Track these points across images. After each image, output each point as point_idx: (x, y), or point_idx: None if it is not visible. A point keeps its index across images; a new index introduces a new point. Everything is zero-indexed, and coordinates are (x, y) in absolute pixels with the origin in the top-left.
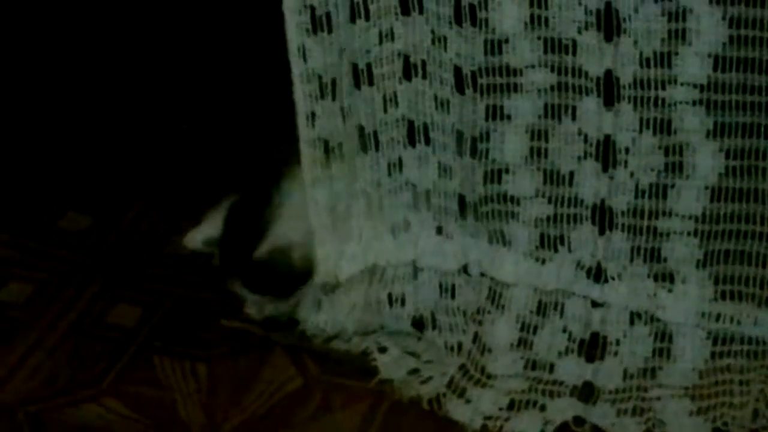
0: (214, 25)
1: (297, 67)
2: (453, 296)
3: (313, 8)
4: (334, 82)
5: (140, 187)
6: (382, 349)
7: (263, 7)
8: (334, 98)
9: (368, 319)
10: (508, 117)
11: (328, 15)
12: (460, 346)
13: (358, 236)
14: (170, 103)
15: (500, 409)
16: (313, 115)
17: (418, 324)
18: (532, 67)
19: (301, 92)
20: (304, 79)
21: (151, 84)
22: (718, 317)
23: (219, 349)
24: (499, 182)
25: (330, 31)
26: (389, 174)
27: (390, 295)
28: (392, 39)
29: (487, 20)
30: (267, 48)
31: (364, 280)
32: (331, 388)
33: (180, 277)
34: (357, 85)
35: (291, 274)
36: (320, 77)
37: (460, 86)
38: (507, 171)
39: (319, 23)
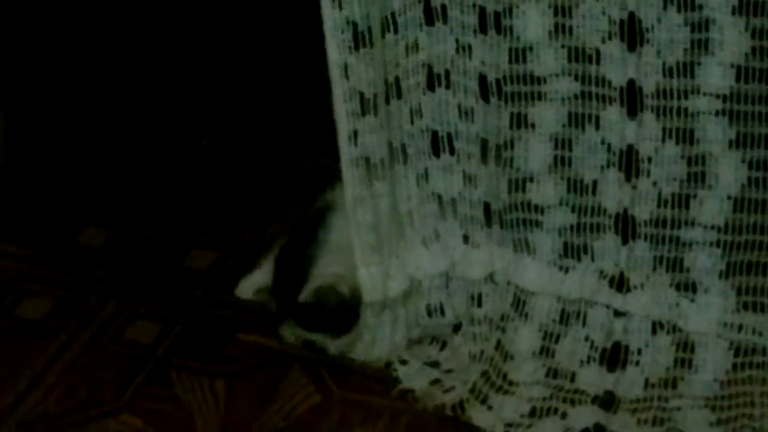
0: (237, 43)
1: (339, 87)
2: (480, 305)
3: (355, 24)
4: (375, 97)
5: (159, 203)
6: (403, 362)
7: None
8: (376, 114)
9: (409, 332)
10: (533, 125)
11: (369, 29)
12: (482, 353)
13: (396, 252)
14: (189, 119)
15: (522, 416)
16: (356, 133)
17: (458, 331)
18: (556, 75)
19: (343, 111)
20: (346, 97)
21: (171, 99)
22: (740, 328)
23: (237, 365)
24: (524, 191)
25: (372, 46)
26: (417, 185)
27: (428, 305)
28: (417, 50)
29: (511, 28)
30: (296, 66)
31: (402, 295)
32: (349, 404)
33: (198, 292)
34: (387, 100)
35: (344, 308)
36: (362, 94)
37: (485, 94)
38: (531, 179)
39: (362, 39)
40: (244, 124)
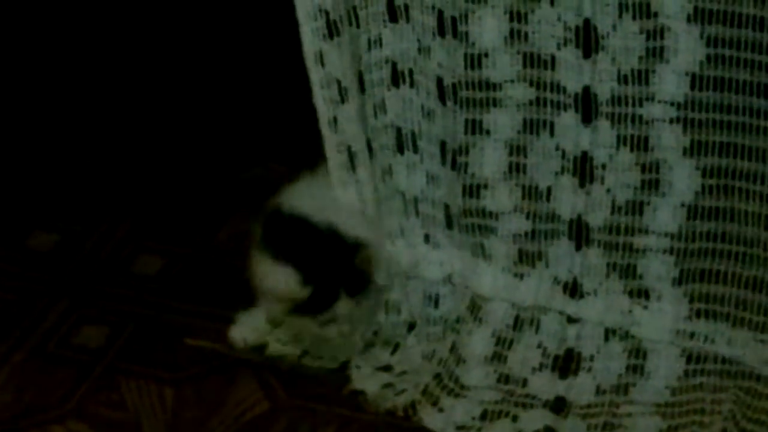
0: (185, 47)
1: (315, 74)
2: (436, 306)
3: (327, 12)
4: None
5: (107, 207)
6: (356, 367)
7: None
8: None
9: (367, 330)
10: (488, 131)
11: (341, 18)
12: (435, 354)
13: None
14: (139, 123)
15: (473, 418)
16: (335, 119)
17: (412, 331)
18: (512, 81)
19: (321, 98)
20: (323, 84)
21: (119, 104)
22: (692, 335)
23: (185, 371)
24: (479, 197)
25: (340, 35)
26: (383, 180)
27: (387, 303)
28: (380, 46)
29: (467, 33)
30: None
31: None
32: (298, 411)
33: (146, 297)
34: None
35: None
36: (339, 82)
37: (442, 97)
38: (486, 186)
39: (334, 27)
40: (192, 129)
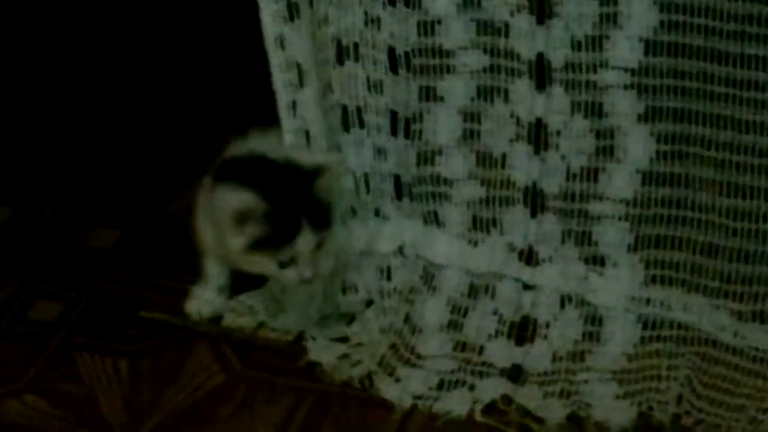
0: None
1: (275, 57)
2: (389, 278)
3: None
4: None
5: (61, 180)
6: (312, 338)
7: None
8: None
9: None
10: (441, 98)
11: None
12: (391, 326)
13: None
14: (92, 95)
15: (430, 388)
16: (294, 104)
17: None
18: (465, 48)
19: (281, 81)
20: (283, 68)
21: (73, 76)
22: (648, 302)
23: (141, 344)
24: (433, 164)
25: (300, 17)
26: None
27: (344, 282)
28: (326, 24)
29: (420, 1)
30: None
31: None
32: (253, 383)
33: (101, 271)
34: None
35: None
36: (299, 65)
37: (394, 67)
38: (440, 153)
39: (295, 9)
40: (148, 102)
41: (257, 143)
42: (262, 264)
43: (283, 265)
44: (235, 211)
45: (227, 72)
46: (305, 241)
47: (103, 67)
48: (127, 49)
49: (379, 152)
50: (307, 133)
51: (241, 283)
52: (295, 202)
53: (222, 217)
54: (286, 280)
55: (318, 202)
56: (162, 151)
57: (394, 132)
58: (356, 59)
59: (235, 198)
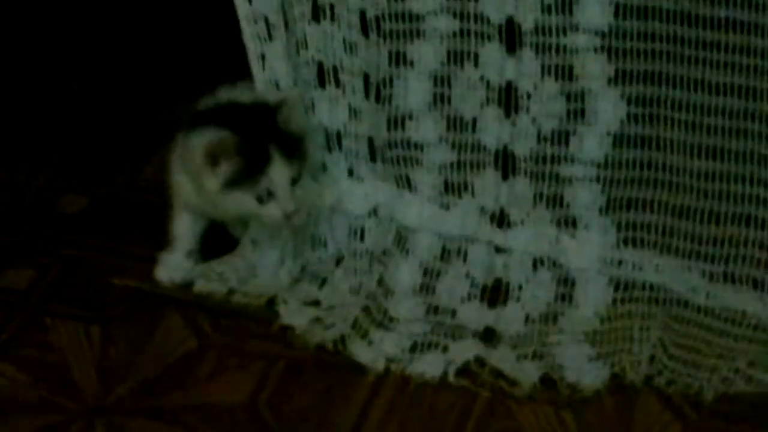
0: None
1: (243, 9)
2: (362, 239)
3: None
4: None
5: (30, 147)
6: (284, 301)
7: None
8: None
9: (294, 266)
10: (411, 63)
11: None
12: (362, 287)
13: None
14: (60, 62)
15: (403, 351)
16: (263, 57)
17: (339, 265)
18: (435, 13)
19: (249, 34)
20: (250, 20)
21: (43, 44)
22: (620, 263)
23: (112, 310)
24: (403, 128)
25: None
26: (306, 115)
27: (313, 238)
28: None
29: None
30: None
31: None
32: (226, 348)
33: (71, 238)
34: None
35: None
36: (266, 18)
37: (365, 30)
38: (411, 117)
39: None
40: (116, 67)
41: (227, 94)
42: (240, 202)
43: (261, 200)
44: (207, 151)
45: (197, 32)
46: (278, 169)
47: (73, 34)
48: (97, 13)
49: (354, 113)
50: (277, 85)
51: (210, 248)
52: (262, 133)
53: (196, 161)
54: (269, 219)
55: (285, 133)
56: (132, 117)
57: (367, 95)
58: (332, 19)
59: (205, 137)
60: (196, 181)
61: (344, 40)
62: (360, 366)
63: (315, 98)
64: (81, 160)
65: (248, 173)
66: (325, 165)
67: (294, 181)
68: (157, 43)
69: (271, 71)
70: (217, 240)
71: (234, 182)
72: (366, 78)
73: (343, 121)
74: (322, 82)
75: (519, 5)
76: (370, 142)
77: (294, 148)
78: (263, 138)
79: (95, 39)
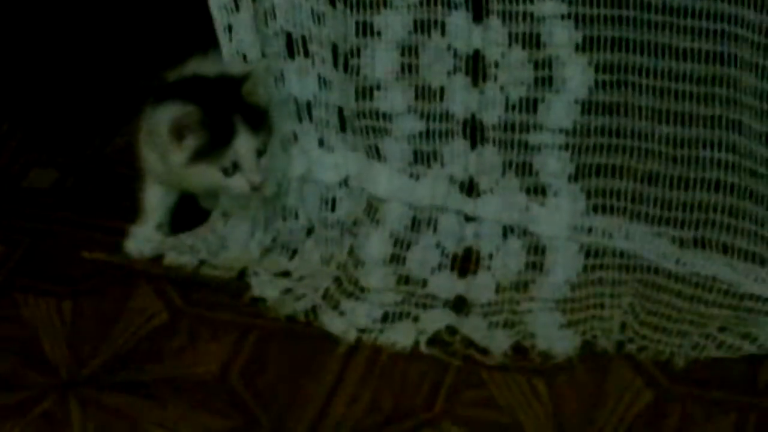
0: None
1: None
2: (333, 209)
3: None
4: None
5: None
6: (255, 273)
7: None
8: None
9: (264, 237)
10: (378, 33)
11: None
12: (333, 258)
13: None
14: (29, 35)
15: (374, 321)
16: (230, 27)
17: (310, 235)
18: None
19: (216, 5)
20: None
21: (9, 19)
22: (590, 230)
23: (83, 285)
24: (372, 98)
25: None
26: (276, 86)
27: (284, 208)
28: None
29: None
30: None
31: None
32: (197, 320)
33: (40, 212)
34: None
35: None
36: None
37: (332, 0)
38: (378, 87)
39: None
40: (84, 39)
41: (194, 66)
42: (207, 175)
43: (227, 173)
44: (172, 125)
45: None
46: (243, 141)
47: (37, 5)
48: None
49: (324, 83)
50: (244, 57)
51: (181, 220)
52: (226, 106)
53: (161, 134)
54: (236, 191)
55: (250, 105)
56: (100, 87)
57: (336, 65)
58: None
59: (170, 112)
60: (162, 154)
61: (312, 11)
62: (331, 336)
63: (284, 69)
64: (49, 132)
65: (213, 146)
66: (295, 135)
67: (260, 153)
68: (127, 11)
69: (239, 42)
70: (188, 212)
71: (200, 155)
72: (335, 48)
73: (313, 92)
74: (291, 53)
75: None
76: (340, 112)
77: (259, 120)
78: (228, 111)
79: (61, 9)
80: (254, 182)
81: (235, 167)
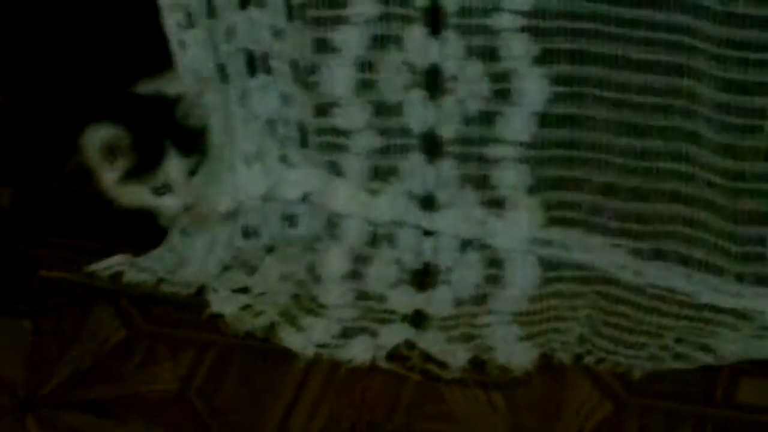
0: None
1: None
2: (295, 226)
3: None
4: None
5: None
6: (213, 290)
7: None
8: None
9: (224, 255)
10: (335, 50)
11: None
12: (293, 274)
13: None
14: None
15: (333, 336)
16: (184, 43)
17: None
18: None
19: (171, 21)
20: (171, 9)
21: None
22: (548, 243)
23: (42, 303)
24: (330, 115)
25: None
26: (240, 104)
27: (245, 227)
28: None
29: None
30: None
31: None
32: (156, 338)
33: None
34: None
35: None
36: (186, 6)
37: (290, 17)
38: (336, 104)
39: None
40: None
41: (155, 84)
42: (139, 194)
43: (159, 192)
44: (102, 147)
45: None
46: (174, 164)
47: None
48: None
49: (286, 99)
50: (198, 73)
51: (140, 237)
52: (157, 129)
53: (93, 156)
54: (168, 211)
55: (182, 127)
56: (58, 106)
57: (296, 81)
58: (259, 5)
59: (100, 134)
60: (96, 173)
61: (272, 27)
62: (290, 353)
63: (247, 88)
64: (6, 150)
65: (143, 168)
66: (259, 153)
67: (192, 173)
68: (83, 29)
69: (192, 59)
70: (146, 230)
71: (130, 175)
72: (295, 64)
73: (276, 108)
74: (252, 71)
75: None
76: (301, 127)
77: (191, 142)
78: (158, 133)
79: (15, 27)
80: (186, 202)
81: (166, 187)
